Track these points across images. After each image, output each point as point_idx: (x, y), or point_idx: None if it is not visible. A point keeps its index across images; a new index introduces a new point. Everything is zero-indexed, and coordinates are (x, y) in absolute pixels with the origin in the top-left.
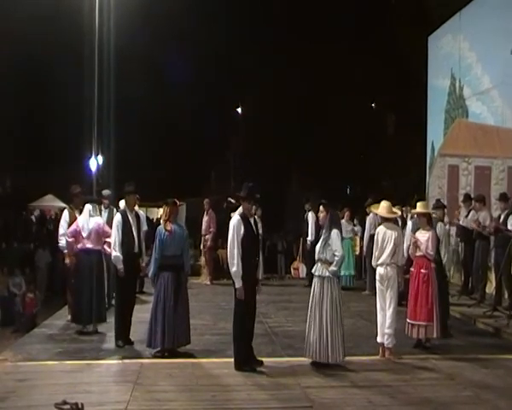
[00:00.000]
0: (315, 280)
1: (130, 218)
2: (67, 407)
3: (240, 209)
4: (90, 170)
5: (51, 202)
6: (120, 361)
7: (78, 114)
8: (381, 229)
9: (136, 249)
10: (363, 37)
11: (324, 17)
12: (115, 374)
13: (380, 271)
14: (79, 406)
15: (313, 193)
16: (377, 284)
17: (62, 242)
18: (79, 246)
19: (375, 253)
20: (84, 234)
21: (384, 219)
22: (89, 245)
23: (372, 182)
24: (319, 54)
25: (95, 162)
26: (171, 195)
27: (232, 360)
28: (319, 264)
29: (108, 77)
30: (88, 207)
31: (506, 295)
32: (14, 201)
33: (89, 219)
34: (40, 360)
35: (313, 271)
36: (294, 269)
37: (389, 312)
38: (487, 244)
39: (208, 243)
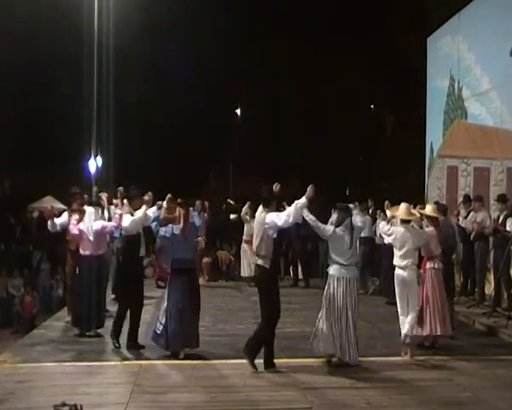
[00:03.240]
0: (333, 280)
1: None
2: (66, 408)
3: (261, 210)
4: (90, 171)
5: (50, 203)
6: (119, 363)
7: (78, 115)
8: (398, 231)
9: (143, 253)
10: (362, 37)
11: (324, 18)
12: (114, 376)
13: (400, 273)
14: (78, 407)
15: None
16: (397, 287)
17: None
18: (82, 251)
19: (396, 255)
20: (91, 238)
21: (402, 221)
22: (90, 251)
23: (371, 183)
24: (318, 54)
25: (94, 163)
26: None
27: (231, 361)
28: (335, 265)
29: (107, 77)
30: (90, 210)
31: (505, 296)
32: (14, 202)
33: (92, 223)
34: (39, 361)
35: (332, 272)
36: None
37: (411, 315)
38: (486, 245)
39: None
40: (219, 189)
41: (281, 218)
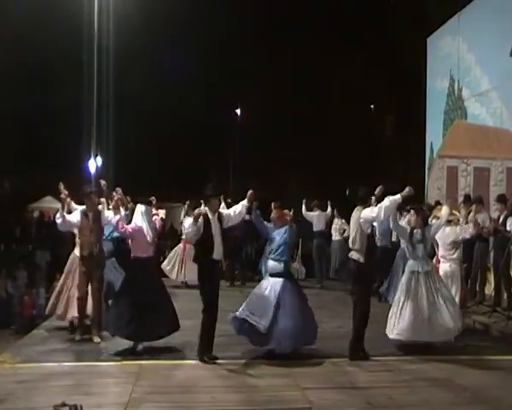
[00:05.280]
0: (411, 273)
1: (211, 221)
2: (66, 408)
3: (357, 208)
4: (90, 171)
5: (50, 203)
6: (119, 363)
7: (78, 115)
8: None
9: (218, 256)
10: (361, 38)
11: (324, 18)
12: (114, 375)
13: (444, 267)
14: (78, 408)
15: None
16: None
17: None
18: (138, 253)
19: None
20: (149, 240)
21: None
22: (144, 253)
23: (371, 183)
24: (318, 54)
25: (94, 163)
26: (170, 196)
27: (231, 361)
28: (412, 260)
29: (107, 77)
30: (140, 208)
31: (505, 296)
32: (14, 202)
33: (146, 223)
34: (39, 361)
35: (414, 269)
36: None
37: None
38: (486, 245)
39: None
40: (219, 189)
41: (374, 211)
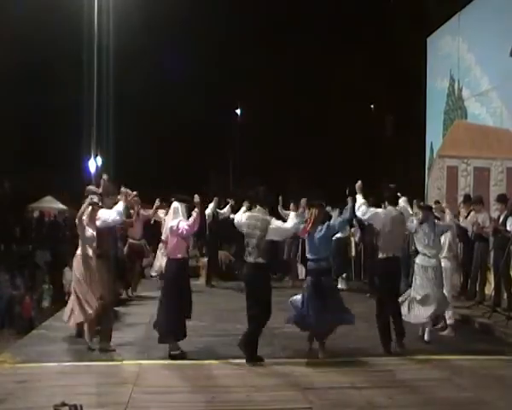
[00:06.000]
0: (418, 268)
1: None
2: (66, 408)
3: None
4: (89, 171)
5: (50, 203)
6: (119, 363)
7: (78, 115)
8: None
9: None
10: (361, 38)
11: (324, 18)
12: (114, 375)
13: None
14: (78, 408)
15: (313, 192)
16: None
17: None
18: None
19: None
20: (164, 238)
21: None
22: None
23: (371, 183)
24: (318, 54)
25: (94, 163)
26: (170, 196)
27: (231, 361)
28: (421, 256)
29: (107, 77)
30: (175, 205)
31: (505, 296)
32: (14, 202)
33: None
34: (39, 361)
35: (418, 261)
36: None
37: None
38: (486, 245)
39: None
40: (219, 189)
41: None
